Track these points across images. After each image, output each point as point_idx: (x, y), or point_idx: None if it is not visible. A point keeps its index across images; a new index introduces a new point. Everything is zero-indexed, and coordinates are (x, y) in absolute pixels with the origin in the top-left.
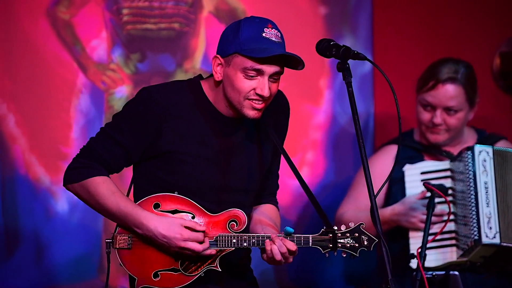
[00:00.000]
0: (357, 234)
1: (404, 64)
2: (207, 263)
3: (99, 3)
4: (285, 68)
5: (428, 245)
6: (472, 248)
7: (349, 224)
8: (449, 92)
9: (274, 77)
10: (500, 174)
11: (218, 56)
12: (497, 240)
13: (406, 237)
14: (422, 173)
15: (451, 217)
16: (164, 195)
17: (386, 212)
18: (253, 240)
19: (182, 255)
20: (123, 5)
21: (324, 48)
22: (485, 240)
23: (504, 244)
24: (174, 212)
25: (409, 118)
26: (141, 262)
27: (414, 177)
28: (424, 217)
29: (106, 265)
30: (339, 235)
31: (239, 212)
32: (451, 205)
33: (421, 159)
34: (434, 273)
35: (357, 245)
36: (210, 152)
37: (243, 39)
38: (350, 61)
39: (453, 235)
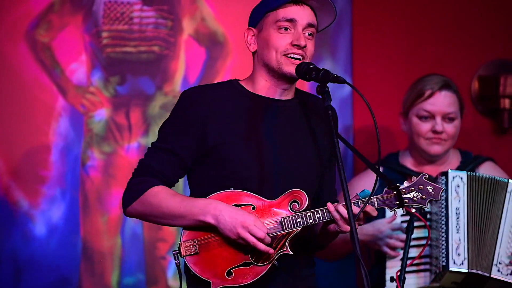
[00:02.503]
0: (421, 186)
1: (384, 87)
2: (277, 249)
3: (78, 26)
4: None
5: (406, 269)
6: (442, 274)
7: (412, 178)
8: (447, 98)
9: (308, 32)
10: (473, 200)
11: (250, 27)
12: (464, 267)
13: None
14: None
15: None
16: (220, 193)
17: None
18: (318, 215)
19: (251, 248)
20: (102, 28)
21: (304, 71)
22: (452, 266)
23: (472, 271)
24: None
25: (388, 140)
26: (211, 264)
27: None
28: (391, 241)
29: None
30: (404, 190)
31: (299, 191)
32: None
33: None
34: None
35: (424, 196)
36: (256, 138)
37: None
38: (329, 84)
39: (427, 259)
